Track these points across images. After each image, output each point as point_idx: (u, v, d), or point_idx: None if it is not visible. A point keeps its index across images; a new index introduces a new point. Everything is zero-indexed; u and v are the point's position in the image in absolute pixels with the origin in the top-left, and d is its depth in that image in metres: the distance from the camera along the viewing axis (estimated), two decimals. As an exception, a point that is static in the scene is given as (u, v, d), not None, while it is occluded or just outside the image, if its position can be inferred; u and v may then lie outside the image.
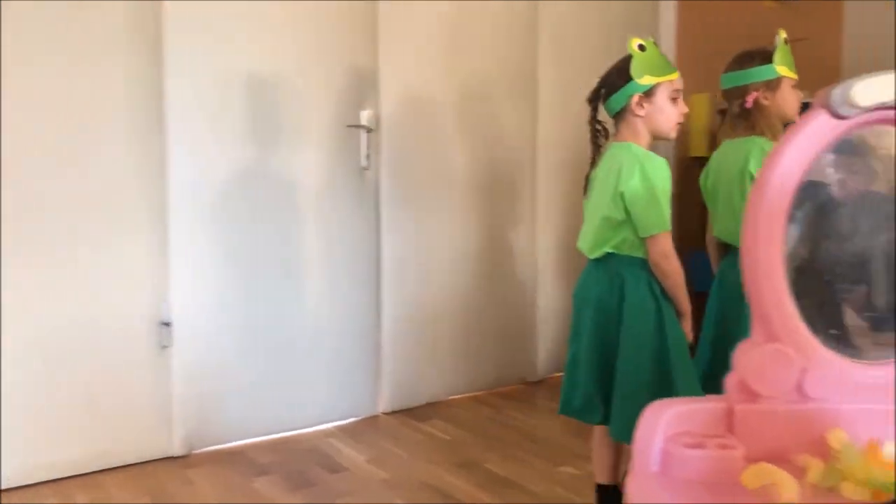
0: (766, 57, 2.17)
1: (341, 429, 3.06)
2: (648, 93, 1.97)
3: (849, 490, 1.09)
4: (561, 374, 3.71)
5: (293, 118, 2.95)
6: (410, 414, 3.20)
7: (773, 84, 2.18)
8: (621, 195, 1.91)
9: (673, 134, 2.01)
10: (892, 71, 1.19)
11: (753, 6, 3.72)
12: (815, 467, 1.13)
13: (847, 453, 1.13)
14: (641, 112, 1.97)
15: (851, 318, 1.48)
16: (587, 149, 3.74)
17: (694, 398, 1.26)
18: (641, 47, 1.98)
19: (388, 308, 3.20)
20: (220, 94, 2.80)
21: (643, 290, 1.92)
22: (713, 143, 3.86)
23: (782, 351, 1.20)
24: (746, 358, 1.22)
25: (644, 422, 1.20)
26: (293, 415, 3.01)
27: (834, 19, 3.44)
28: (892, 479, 1.07)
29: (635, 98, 1.97)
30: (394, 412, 3.21)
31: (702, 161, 3.92)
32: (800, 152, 1.19)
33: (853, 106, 1.17)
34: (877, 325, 1.43)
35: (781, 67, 2.15)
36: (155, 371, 2.73)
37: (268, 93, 2.89)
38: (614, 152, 1.99)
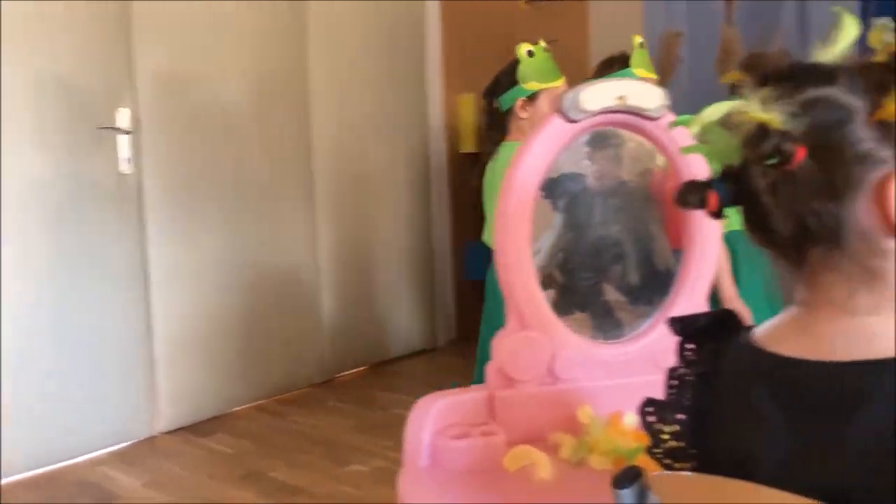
0: (625, 61, 2.24)
1: (114, 455, 2.85)
2: (532, 97, 2.06)
3: (595, 461, 1.19)
4: (348, 372, 3.76)
5: (34, 121, 2.69)
6: (192, 430, 3.05)
7: None
8: None
9: None
10: (615, 78, 1.32)
11: (511, 7, 3.93)
12: (567, 443, 1.23)
13: (593, 426, 1.24)
14: (525, 115, 2.07)
15: (613, 294, 1.63)
16: (363, 146, 3.81)
17: (459, 389, 1.32)
18: (530, 53, 2.05)
19: (161, 321, 3.02)
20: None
21: None
22: (481, 141, 4.07)
23: (533, 337, 1.29)
24: (502, 346, 1.30)
25: (412, 418, 1.24)
26: (57, 445, 2.75)
27: (580, 20, 3.72)
28: (632, 447, 1.19)
29: (519, 102, 2.06)
30: (173, 431, 3.04)
31: (471, 157, 4.14)
32: (539, 154, 1.28)
33: (582, 110, 1.28)
34: (633, 299, 1.58)
35: (639, 70, 2.21)
36: None
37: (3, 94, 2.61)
38: (503, 152, 2.07)
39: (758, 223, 0.67)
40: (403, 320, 3.95)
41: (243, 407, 3.28)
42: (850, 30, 0.67)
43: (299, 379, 3.51)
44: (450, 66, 4.12)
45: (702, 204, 0.68)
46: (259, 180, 3.34)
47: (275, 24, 3.40)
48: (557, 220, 1.58)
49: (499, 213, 1.29)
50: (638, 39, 2.24)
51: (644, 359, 1.35)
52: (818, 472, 0.62)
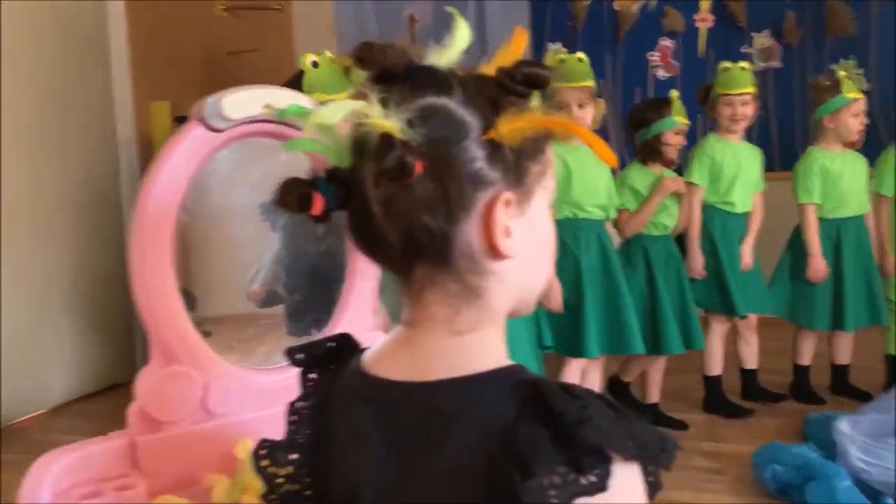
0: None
1: None
2: None
3: (248, 501, 1.09)
4: (24, 417, 3.30)
5: None
6: None
7: None
8: None
9: None
10: (261, 85, 1.23)
11: (207, 14, 3.73)
12: (220, 485, 1.12)
13: (250, 463, 1.14)
14: None
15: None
16: (40, 160, 3.37)
17: (90, 441, 1.15)
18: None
19: None
20: None
21: None
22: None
23: (182, 372, 1.16)
24: (145, 385, 1.15)
25: (27, 481, 1.05)
26: None
27: (284, 29, 3.64)
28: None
29: None
30: None
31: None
32: (178, 167, 1.15)
33: (225, 119, 1.17)
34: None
35: (316, 94, 2.17)
36: None
37: None
38: None
39: (365, 232, 0.61)
40: (93, 353, 3.54)
41: None
42: (462, 34, 0.63)
43: (-40, 431, 3.00)
44: (140, 72, 3.80)
45: (303, 206, 0.60)
46: None
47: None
48: (276, 239, 1.50)
49: (134, 236, 1.14)
50: (309, 59, 2.21)
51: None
52: (412, 498, 0.58)
